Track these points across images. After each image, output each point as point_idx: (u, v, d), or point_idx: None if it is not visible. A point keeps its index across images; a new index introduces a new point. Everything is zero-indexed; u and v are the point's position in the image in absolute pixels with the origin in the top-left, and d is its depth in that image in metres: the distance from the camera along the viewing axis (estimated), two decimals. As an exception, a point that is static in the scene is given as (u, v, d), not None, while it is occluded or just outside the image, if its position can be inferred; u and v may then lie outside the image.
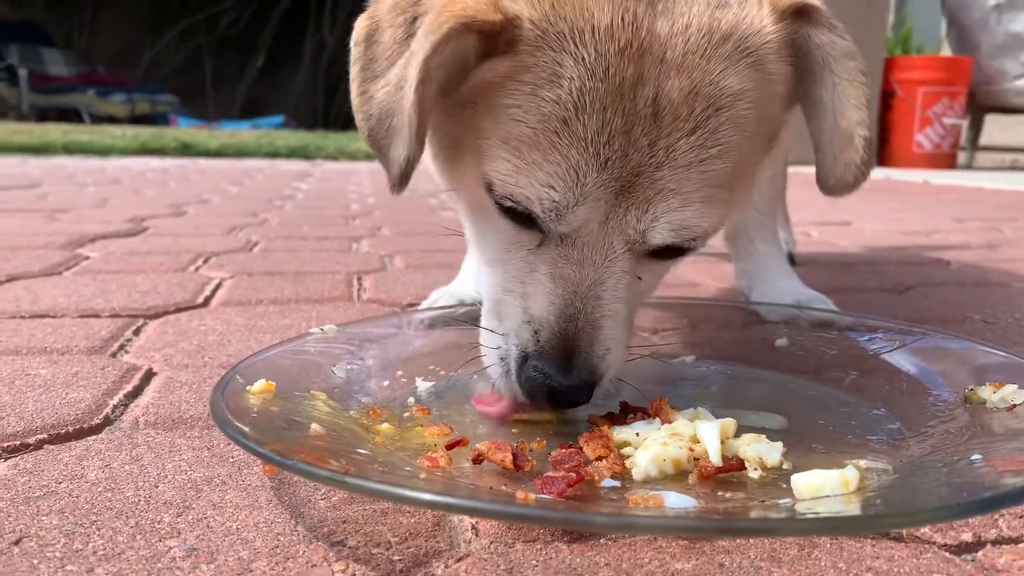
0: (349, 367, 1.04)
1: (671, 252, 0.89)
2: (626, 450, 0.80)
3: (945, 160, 7.55)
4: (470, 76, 0.87)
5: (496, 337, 0.91)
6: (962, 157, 7.79)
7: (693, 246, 0.88)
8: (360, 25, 0.96)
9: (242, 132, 12.14)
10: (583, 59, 0.80)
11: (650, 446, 0.77)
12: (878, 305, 1.71)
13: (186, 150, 8.62)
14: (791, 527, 0.59)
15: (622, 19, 0.81)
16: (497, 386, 0.91)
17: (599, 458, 0.78)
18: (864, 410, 0.97)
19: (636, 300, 0.93)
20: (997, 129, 8.01)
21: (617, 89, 0.79)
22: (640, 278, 0.90)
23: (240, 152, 8.78)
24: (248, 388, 0.88)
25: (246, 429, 0.72)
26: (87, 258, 2.19)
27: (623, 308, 0.87)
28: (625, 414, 0.90)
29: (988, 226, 3.13)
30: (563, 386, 0.84)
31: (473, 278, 1.48)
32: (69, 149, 8.22)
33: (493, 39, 0.84)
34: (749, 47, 0.84)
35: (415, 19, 0.89)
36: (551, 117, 0.80)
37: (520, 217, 0.87)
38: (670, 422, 0.84)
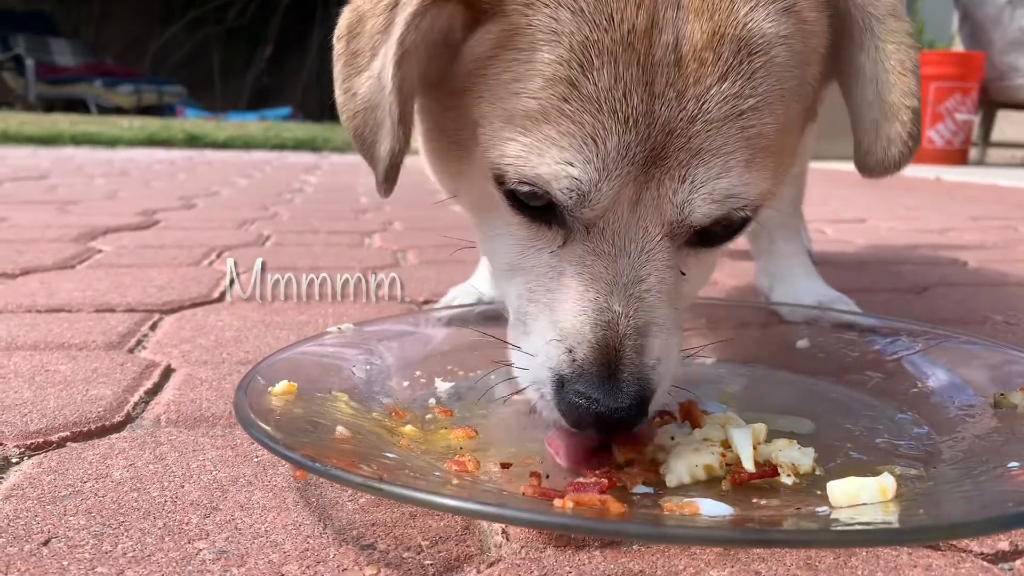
0: (368, 367, 1.03)
1: (715, 236, 0.79)
2: (657, 455, 0.80)
3: (957, 156, 7.51)
4: (459, 57, 0.80)
5: (525, 357, 0.80)
6: (973, 153, 7.75)
7: (742, 219, 0.76)
8: (342, 18, 0.90)
9: (249, 124, 12.13)
10: (581, 9, 0.71)
11: (683, 452, 0.76)
12: (897, 306, 1.70)
13: (193, 142, 8.63)
14: (839, 539, 0.58)
15: None
16: (538, 413, 0.79)
17: (629, 462, 0.78)
18: (890, 414, 0.96)
19: (682, 300, 0.82)
20: (1008, 125, 7.96)
21: (627, 37, 0.69)
22: (684, 273, 0.79)
23: (247, 144, 8.79)
24: (270, 389, 0.87)
25: (276, 434, 0.71)
26: (100, 251, 2.19)
27: (669, 308, 0.77)
28: (653, 417, 0.89)
29: (1003, 224, 3.11)
30: (612, 409, 0.71)
31: (490, 274, 1.46)
32: (77, 140, 8.23)
33: (476, 5, 0.76)
34: None
35: (396, 4, 0.81)
36: (555, 80, 0.71)
37: (537, 213, 0.78)
38: (700, 426, 0.83)
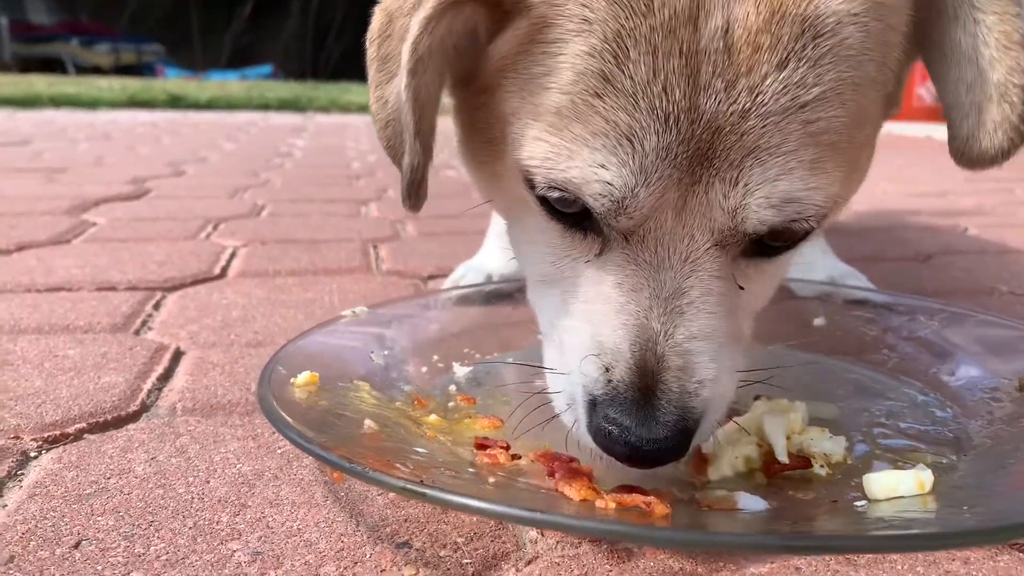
0: (386, 352, 1.02)
1: (774, 246, 0.70)
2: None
3: (943, 114, 7.47)
4: (487, 54, 0.74)
5: (560, 377, 0.73)
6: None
7: (805, 228, 0.67)
8: (374, 20, 0.83)
9: (231, 83, 11.96)
10: None
11: (723, 444, 0.76)
12: (903, 276, 1.70)
13: (175, 102, 8.50)
14: (893, 545, 0.58)
15: None
16: (575, 435, 0.72)
17: None
18: (912, 396, 0.96)
19: (743, 313, 0.73)
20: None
21: (668, 24, 0.61)
22: (742, 287, 0.71)
23: (230, 104, 8.66)
24: (293, 380, 0.86)
25: (310, 433, 0.70)
26: (94, 224, 2.16)
27: (720, 323, 0.68)
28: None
29: (999, 187, 3.11)
30: (646, 440, 0.63)
31: (499, 250, 1.45)
32: (56, 102, 8.09)
33: (498, 5, 0.70)
34: None
35: (420, 3, 0.74)
36: (587, 74, 0.63)
37: (571, 220, 0.71)
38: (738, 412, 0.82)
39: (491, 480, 0.70)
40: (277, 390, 0.82)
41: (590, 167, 0.64)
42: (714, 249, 0.67)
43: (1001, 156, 0.70)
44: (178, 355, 1.19)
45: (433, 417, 0.88)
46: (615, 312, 0.68)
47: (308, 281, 1.61)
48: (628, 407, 0.64)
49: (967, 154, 0.73)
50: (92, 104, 8.10)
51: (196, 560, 0.68)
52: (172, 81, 12.20)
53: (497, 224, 1.46)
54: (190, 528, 0.73)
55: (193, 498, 0.78)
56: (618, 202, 0.64)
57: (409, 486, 0.60)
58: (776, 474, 0.75)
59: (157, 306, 1.44)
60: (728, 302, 0.69)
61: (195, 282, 1.60)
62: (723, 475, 0.75)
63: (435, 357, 1.05)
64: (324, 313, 1.40)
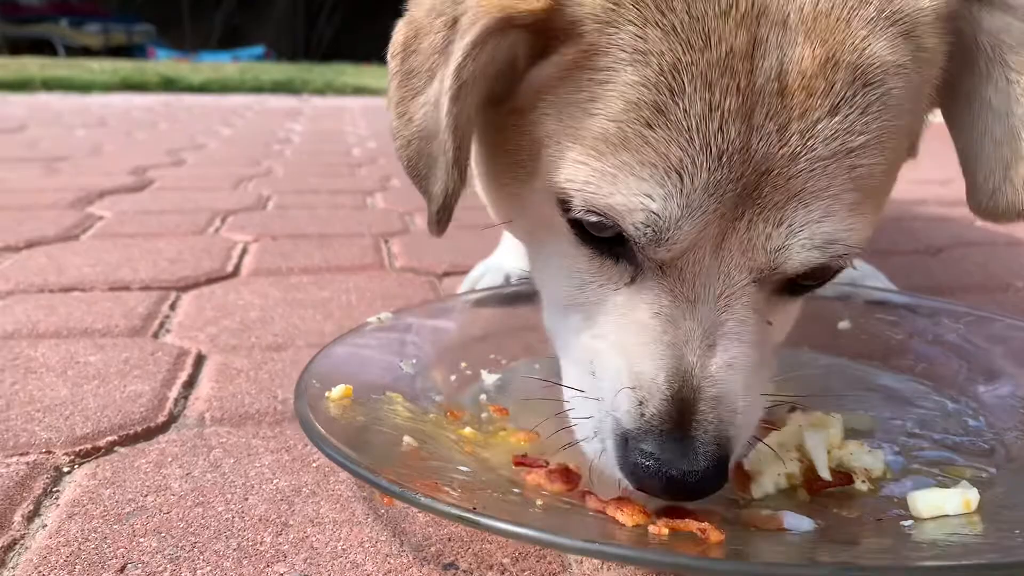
0: (415, 360, 1.02)
1: (804, 284, 0.71)
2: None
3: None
4: (524, 80, 0.72)
5: (588, 403, 0.71)
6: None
7: (839, 267, 0.68)
8: (397, 33, 0.80)
9: (224, 65, 11.87)
10: (674, 28, 0.62)
11: (764, 460, 0.76)
12: (916, 270, 1.71)
13: (169, 85, 8.44)
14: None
15: None
16: (598, 465, 0.70)
17: None
18: (944, 404, 0.96)
19: (767, 348, 0.72)
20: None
21: (725, 60, 0.61)
22: (770, 323, 0.71)
23: (224, 87, 8.61)
24: (327, 395, 0.86)
25: (355, 455, 0.70)
26: (100, 218, 2.14)
27: (752, 352, 0.67)
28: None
29: (1001, 173, 3.11)
30: (686, 473, 0.62)
31: (517, 249, 1.44)
32: (48, 85, 8.02)
33: (544, 32, 0.68)
34: (900, 12, 0.65)
35: (455, 21, 0.73)
36: (640, 104, 0.62)
37: (603, 245, 0.70)
38: (776, 426, 0.82)
39: (539, 503, 0.70)
40: (314, 407, 0.81)
41: (636, 196, 0.63)
42: (751, 287, 0.67)
43: (1020, 213, 0.72)
44: (200, 360, 1.18)
45: (468, 430, 0.87)
46: (651, 342, 0.67)
47: (323, 279, 1.61)
48: (665, 441, 0.64)
49: (991, 206, 0.74)
50: (85, 87, 8.03)
51: (244, 584, 0.68)
52: (164, 63, 12.09)
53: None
54: (234, 550, 0.73)
55: (233, 517, 0.78)
56: (660, 233, 0.64)
57: (465, 515, 0.60)
58: (819, 491, 0.75)
59: (173, 307, 1.44)
60: (759, 334, 0.69)
61: (209, 281, 1.59)
62: (766, 492, 0.75)
63: (463, 364, 1.05)
64: (342, 313, 1.39)
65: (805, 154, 0.62)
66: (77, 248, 1.82)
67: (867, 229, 0.66)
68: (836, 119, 0.62)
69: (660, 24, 0.62)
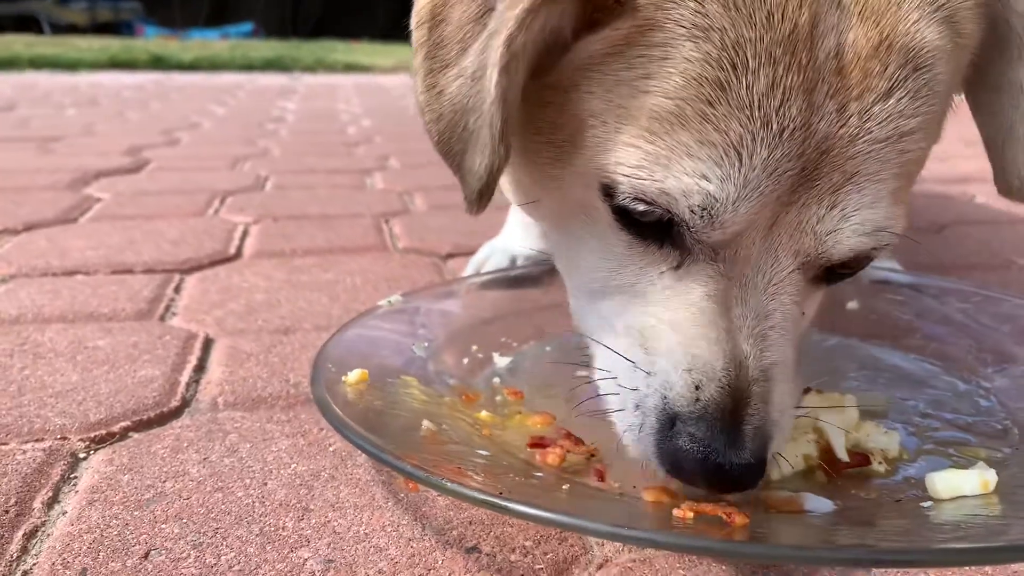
0: (427, 344, 1.02)
1: (840, 273, 0.70)
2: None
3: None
4: (568, 54, 0.69)
5: (636, 374, 0.69)
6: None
7: (876, 255, 0.68)
8: (420, 2, 0.76)
9: (213, 43, 11.76)
10: (735, 4, 0.61)
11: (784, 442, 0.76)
12: (921, 248, 1.71)
13: (158, 63, 8.38)
14: (983, 558, 0.59)
15: None
16: (627, 439, 0.70)
17: None
18: (955, 384, 0.97)
19: (799, 341, 0.71)
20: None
21: (788, 38, 0.60)
22: (803, 312, 0.70)
23: (214, 65, 8.55)
24: (344, 379, 0.86)
25: (379, 441, 0.70)
26: (98, 200, 2.13)
27: (792, 351, 0.67)
28: None
29: (998, 150, 3.12)
30: (733, 465, 0.62)
31: (523, 230, 1.44)
32: (36, 63, 7.95)
33: (594, 2, 0.66)
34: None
35: None
36: (700, 80, 0.60)
37: (646, 229, 0.67)
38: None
39: (564, 487, 0.70)
40: (332, 392, 0.81)
41: (690, 177, 0.62)
42: (796, 274, 0.67)
43: None
44: (208, 343, 1.18)
45: (484, 413, 0.88)
46: (708, 326, 0.66)
47: (327, 261, 1.60)
48: (716, 429, 0.63)
49: (1015, 186, 0.75)
50: (72, 66, 7.96)
51: (269, 570, 0.68)
52: (153, 41, 11.97)
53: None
54: (257, 535, 0.73)
55: (253, 502, 0.78)
56: (716, 216, 0.62)
57: (494, 500, 0.60)
58: (837, 473, 0.76)
59: (178, 289, 1.43)
60: (798, 326, 0.69)
61: (212, 263, 1.58)
62: (783, 473, 0.75)
63: (474, 347, 1.05)
64: (348, 296, 1.39)
65: (863, 136, 0.62)
66: (77, 231, 1.81)
67: (904, 218, 0.67)
68: (891, 102, 0.62)
69: (721, 0, 0.61)
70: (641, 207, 0.65)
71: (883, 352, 1.06)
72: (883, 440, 0.79)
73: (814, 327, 1.11)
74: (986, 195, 2.24)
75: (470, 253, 1.55)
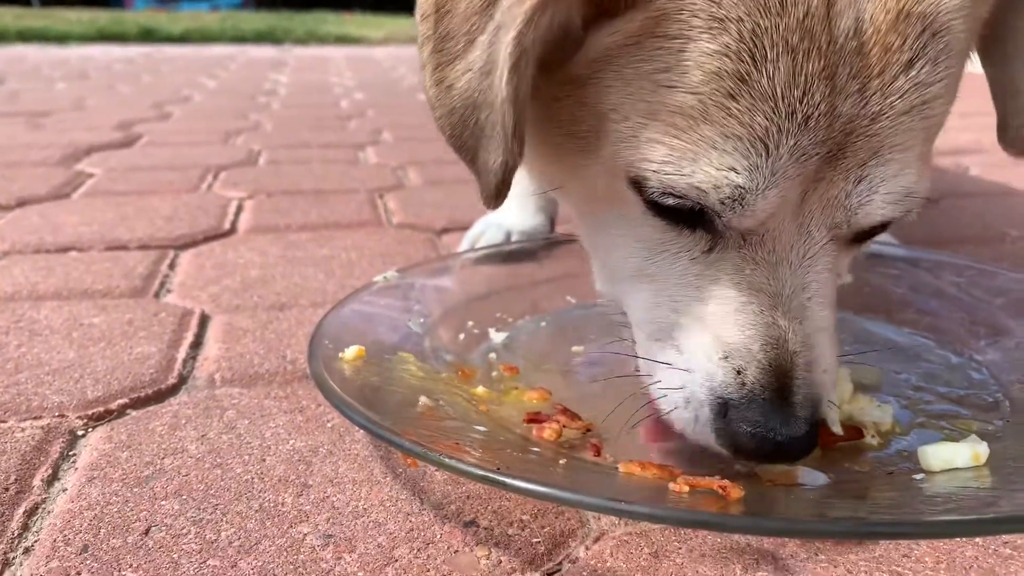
0: (422, 320, 1.02)
1: (870, 234, 0.70)
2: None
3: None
4: (582, 47, 0.68)
5: (677, 374, 0.70)
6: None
7: (908, 219, 0.68)
8: None
9: (203, 14, 11.65)
10: None
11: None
12: (917, 222, 1.71)
13: (148, 36, 8.31)
14: (971, 529, 0.59)
15: None
16: (687, 434, 0.70)
17: None
18: (948, 357, 0.97)
19: (835, 304, 0.72)
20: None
21: (805, 22, 0.59)
22: (840, 275, 0.72)
23: (205, 37, 8.48)
24: (341, 355, 0.86)
25: (381, 419, 0.70)
26: (90, 175, 2.12)
27: (831, 313, 0.69)
28: None
29: (992, 121, 3.12)
30: (790, 439, 0.63)
31: (519, 206, 1.44)
32: (24, 36, 7.89)
33: None
34: None
35: None
36: (720, 74, 0.60)
37: (677, 215, 0.67)
38: None
39: (561, 462, 0.71)
40: (329, 368, 0.82)
41: (720, 170, 0.62)
42: (830, 244, 0.67)
43: None
44: (204, 320, 1.18)
45: (481, 389, 0.88)
46: (737, 311, 0.67)
47: (322, 237, 1.60)
48: (769, 409, 0.64)
49: (1020, 143, 0.74)
50: (62, 39, 7.90)
51: (269, 545, 0.69)
52: (143, 13, 11.86)
53: (518, 184, 1.43)
54: (256, 511, 0.74)
55: (253, 478, 0.79)
56: (745, 206, 0.63)
57: (491, 475, 0.61)
58: (831, 445, 0.76)
59: (172, 266, 1.43)
60: (834, 292, 0.70)
61: (207, 239, 1.58)
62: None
63: (470, 323, 1.06)
64: (343, 272, 1.39)
65: (886, 112, 0.61)
66: (70, 207, 1.81)
67: (929, 177, 0.67)
68: (912, 73, 0.61)
69: None
70: (671, 201, 0.65)
71: (876, 326, 1.07)
72: (876, 413, 0.80)
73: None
74: (980, 167, 2.24)
75: (465, 228, 1.55)
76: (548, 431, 0.78)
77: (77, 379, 0.98)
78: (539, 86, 0.69)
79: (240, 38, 8.53)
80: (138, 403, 0.94)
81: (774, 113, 0.60)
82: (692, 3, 0.61)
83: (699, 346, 0.68)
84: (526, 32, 0.63)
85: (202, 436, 0.87)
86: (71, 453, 0.84)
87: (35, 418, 0.89)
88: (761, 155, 0.61)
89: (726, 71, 0.60)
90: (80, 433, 0.87)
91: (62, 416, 0.90)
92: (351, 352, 0.87)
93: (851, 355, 0.78)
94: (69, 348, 1.07)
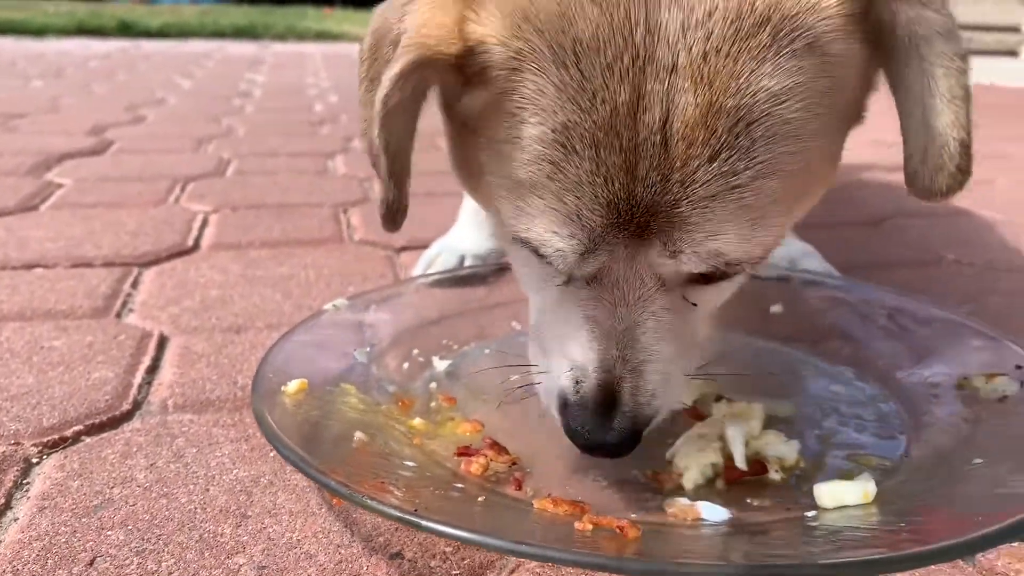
0: (368, 349, 1.07)
1: (721, 276, 0.76)
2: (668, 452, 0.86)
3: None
4: (459, 105, 0.78)
5: (544, 375, 0.84)
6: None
7: (741, 271, 0.76)
8: (365, 39, 0.86)
9: (183, 8, 11.60)
10: (565, 85, 0.67)
11: (691, 452, 0.83)
12: (853, 241, 1.78)
13: (126, 30, 8.28)
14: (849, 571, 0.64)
15: (611, 22, 0.66)
16: (550, 415, 0.83)
17: None
18: (864, 388, 1.03)
19: (693, 327, 0.82)
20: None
21: (609, 120, 0.66)
22: (695, 304, 0.79)
23: (183, 32, 8.46)
24: (283, 389, 0.91)
25: (309, 457, 0.75)
26: (60, 186, 2.15)
27: (668, 346, 0.77)
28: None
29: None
30: (601, 443, 0.77)
31: (473, 228, 1.49)
32: (1, 29, 7.83)
33: (462, 69, 0.74)
34: (798, 29, 0.67)
35: (399, 42, 0.76)
36: (541, 158, 0.69)
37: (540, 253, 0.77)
38: (704, 418, 0.89)
39: (480, 499, 0.76)
40: (270, 402, 0.86)
41: (546, 233, 0.72)
42: (662, 289, 0.76)
43: (940, 195, 0.75)
44: (163, 342, 1.23)
45: (418, 421, 0.93)
46: (585, 339, 0.78)
47: (282, 254, 1.64)
48: (591, 415, 0.77)
49: (915, 185, 0.78)
50: (39, 32, 7.86)
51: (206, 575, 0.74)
52: (122, 6, 11.80)
53: (471, 201, 1.49)
54: (196, 542, 0.78)
55: (196, 508, 0.84)
56: (570, 263, 0.73)
57: (405, 516, 0.66)
58: (735, 480, 0.82)
59: (135, 284, 1.47)
60: (678, 324, 0.78)
61: (170, 256, 1.62)
62: (696, 483, 0.81)
63: (415, 351, 1.10)
64: (301, 292, 1.44)
65: (688, 198, 0.67)
66: (38, 220, 1.84)
67: (768, 238, 0.72)
68: (715, 165, 0.66)
69: (554, 81, 0.68)
70: (521, 245, 0.77)
71: (800, 355, 1.12)
72: (782, 449, 0.85)
73: (740, 330, 1.19)
74: (930, 184, 2.31)
75: (424, 246, 1.59)
76: (475, 465, 0.83)
77: (35, 405, 1.03)
78: (453, 124, 0.81)
79: (219, 33, 8.52)
80: (92, 430, 0.98)
81: (582, 197, 0.69)
82: (525, 89, 0.69)
83: (557, 356, 0.81)
84: (391, 95, 0.73)
85: (151, 465, 0.91)
86: (25, 481, 0.88)
87: (-8, 446, 0.94)
88: (576, 227, 0.70)
89: (545, 157, 0.69)
90: (35, 461, 0.92)
91: (18, 444, 0.94)
92: (293, 386, 0.91)
93: (704, 376, 0.86)
94: (28, 373, 1.11)
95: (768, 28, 0.66)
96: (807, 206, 0.82)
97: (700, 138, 0.65)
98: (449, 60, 0.73)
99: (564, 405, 0.79)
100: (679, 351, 0.79)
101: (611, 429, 0.76)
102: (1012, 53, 7.61)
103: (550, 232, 0.71)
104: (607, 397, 0.76)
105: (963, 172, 0.72)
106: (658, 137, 0.66)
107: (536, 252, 0.76)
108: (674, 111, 0.65)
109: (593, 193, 0.68)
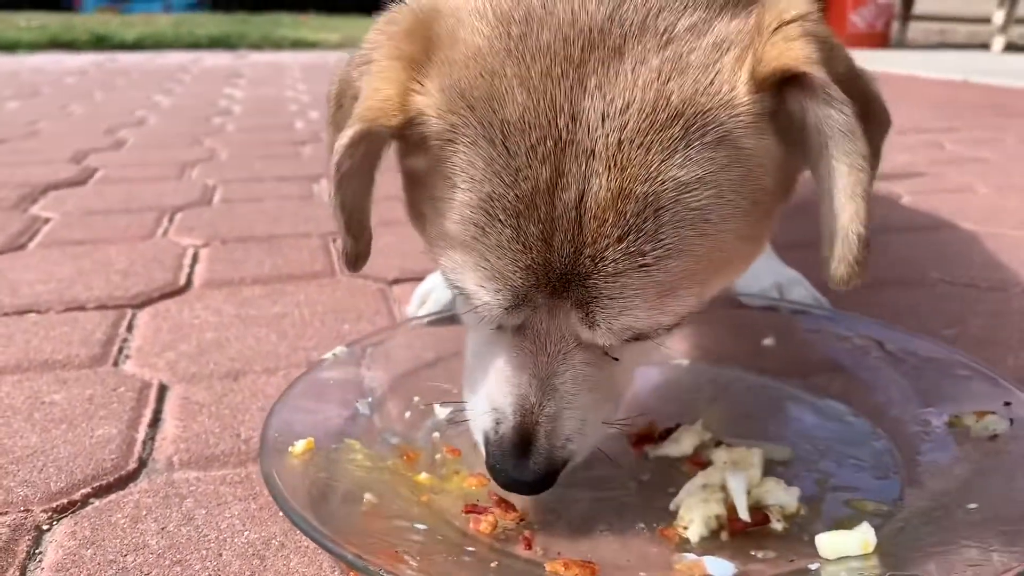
0: (370, 399, 1.08)
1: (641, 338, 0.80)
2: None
3: (879, 39, 7.68)
4: (408, 160, 0.84)
5: (472, 410, 0.90)
6: (896, 28, 7.98)
7: (655, 336, 0.81)
8: (333, 84, 0.92)
9: (157, 17, 11.53)
10: (493, 159, 0.73)
11: (695, 503, 0.85)
12: (841, 262, 1.80)
13: (100, 43, 8.23)
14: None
15: (537, 107, 0.71)
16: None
17: None
18: (857, 424, 1.05)
19: (613, 378, 0.87)
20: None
21: (530, 195, 0.72)
22: (617, 358, 0.84)
23: (158, 43, 8.43)
24: (291, 450, 0.92)
25: (323, 528, 0.76)
26: (46, 221, 2.15)
27: (586, 396, 0.82)
28: (659, 437, 1.00)
29: (929, 140, 3.24)
30: (516, 482, 0.82)
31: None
32: (-27, 45, 7.76)
33: (404, 137, 0.80)
34: (711, 124, 0.72)
35: (357, 97, 0.83)
36: (468, 222, 0.75)
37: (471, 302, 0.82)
38: (706, 466, 0.91)
39: (493, 565, 0.78)
40: (279, 464, 0.88)
41: (475, 287, 0.78)
42: (581, 345, 0.81)
43: (841, 284, 0.79)
44: (163, 392, 1.24)
45: (424, 475, 0.95)
46: (505, 382, 0.84)
47: (274, 292, 1.65)
48: (507, 455, 0.82)
49: (825, 271, 0.81)
50: (11, 47, 7.80)
51: (225, 650, 0.75)
52: (94, 16, 11.70)
53: None
54: (213, 612, 0.80)
55: (210, 575, 0.85)
56: (495, 316, 0.79)
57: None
58: (739, 532, 0.84)
59: (130, 327, 1.48)
60: (597, 376, 0.83)
61: (163, 296, 1.63)
62: (701, 536, 0.83)
63: (416, 398, 1.12)
64: (295, 332, 1.45)
65: (596, 272, 0.73)
66: (27, 260, 1.84)
67: (682, 308, 0.78)
68: (623, 245, 0.72)
69: (483, 155, 0.73)
70: (457, 291, 0.83)
71: (794, 391, 1.14)
72: (783, 497, 0.87)
73: (733, 364, 1.21)
74: (913, 195, 2.35)
75: (417, 278, 1.61)
76: (484, 524, 0.85)
77: (41, 468, 1.03)
78: (404, 170, 0.87)
79: (195, 44, 8.48)
80: (101, 491, 0.99)
81: (502, 260, 0.75)
82: (458, 158, 0.75)
83: (482, 397, 0.87)
84: (342, 162, 0.80)
85: (162, 529, 0.92)
86: (37, 551, 0.89)
87: (2, 514, 0.94)
88: (501, 285, 0.76)
89: (472, 220, 0.75)
90: (45, 528, 0.93)
91: (27, 511, 0.95)
92: (300, 446, 0.92)
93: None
94: (32, 432, 1.12)
95: (681, 122, 0.71)
96: (726, 279, 0.87)
97: (610, 219, 0.71)
98: (391, 131, 0.79)
99: (487, 442, 0.85)
100: (597, 401, 0.84)
101: (526, 469, 0.81)
102: (984, 46, 7.71)
103: (478, 286, 0.77)
104: (523, 439, 0.81)
105: (860, 265, 0.76)
106: (573, 214, 0.71)
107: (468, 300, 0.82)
108: (588, 192, 0.71)
109: (513, 257, 0.74)
